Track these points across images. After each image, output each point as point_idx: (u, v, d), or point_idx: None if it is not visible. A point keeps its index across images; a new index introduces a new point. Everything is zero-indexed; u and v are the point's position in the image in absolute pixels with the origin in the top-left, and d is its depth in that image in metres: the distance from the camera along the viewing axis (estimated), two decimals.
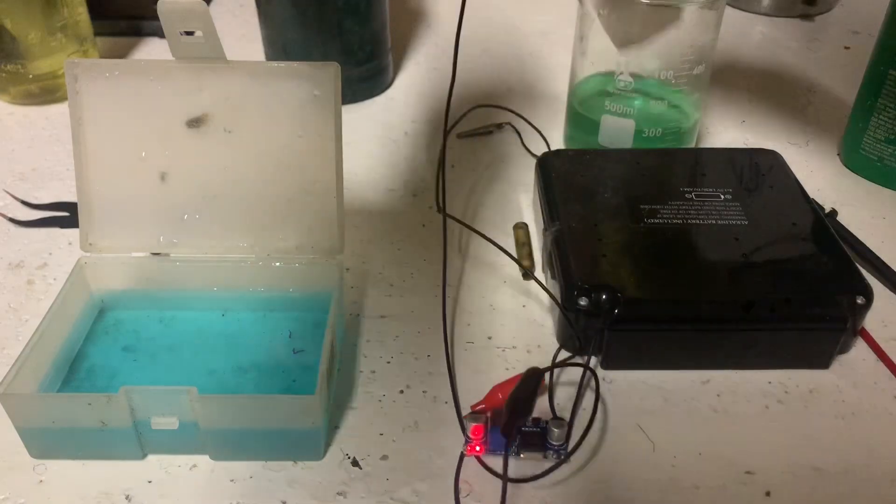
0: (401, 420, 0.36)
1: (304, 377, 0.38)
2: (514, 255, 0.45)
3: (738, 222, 0.41)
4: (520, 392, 0.34)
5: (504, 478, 0.32)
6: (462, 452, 0.34)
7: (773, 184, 0.45)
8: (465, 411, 0.36)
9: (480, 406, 0.36)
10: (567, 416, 0.36)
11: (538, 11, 0.78)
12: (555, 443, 0.34)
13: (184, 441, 0.34)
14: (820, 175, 0.54)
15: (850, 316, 0.37)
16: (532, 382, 0.34)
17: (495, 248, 0.47)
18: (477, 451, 0.34)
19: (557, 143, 0.56)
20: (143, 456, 0.34)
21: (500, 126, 0.57)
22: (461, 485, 0.33)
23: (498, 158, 0.55)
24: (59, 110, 0.61)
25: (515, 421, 0.33)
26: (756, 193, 0.44)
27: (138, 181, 0.39)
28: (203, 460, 0.34)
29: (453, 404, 0.36)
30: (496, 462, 0.34)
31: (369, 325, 0.42)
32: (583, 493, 0.33)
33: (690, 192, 0.44)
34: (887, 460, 0.35)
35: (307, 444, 0.34)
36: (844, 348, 0.39)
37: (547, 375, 0.38)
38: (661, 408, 0.37)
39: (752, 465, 0.34)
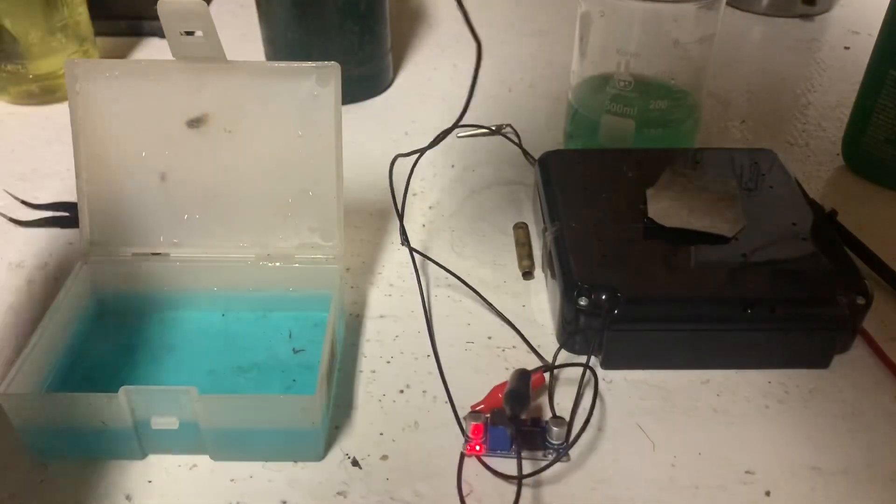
0: (401, 420, 0.36)
1: (304, 377, 0.38)
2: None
3: None
4: (513, 384, 0.34)
5: (519, 469, 0.32)
6: (462, 452, 0.34)
7: (772, 184, 0.45)
8: (467, 410, 0.36)
9: (480, 406, 0.36)
10: (567, 415, 0.36)
11: (538, 11, 0.78)
12: (554, 442, 0.34)
13: (184, 441, 0.34)
14: (820, 175, 0.54)
15: (850, 316, 0.37)
16: (525, 377, 0.35)
17: (496, 248, 0.47)
18: (477, 451, 0.34)
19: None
20: (143, 456, 0.34)
21: (500, 127, 0.57)
22: (461, 485, 0.33)
23: (498, 158, 0.55)
24: (59, 110, 0.61)
25: (518, 411, 0.33)
26: (756, 193, 0.44)
27: (138, 181, 0.39)
28: (203, 460, 0.34)
29: (450, 404, 0.36)
30: (496, 462, 0.34)
31: (369, 325, 0.42)
32: (583, 492, 0.33)
33: None
34: (887, 460, 0.35)
35: (307, 444, 0.34)
36: (844, 348, 0.39)
37: (547, 375, 0.38)
38: (661, 408, 0.37)
39: (752, 464, 0.34)
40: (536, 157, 0.48)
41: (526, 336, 0.40)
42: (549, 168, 0.47)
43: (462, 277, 0.43)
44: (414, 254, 0.44)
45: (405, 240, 0.44)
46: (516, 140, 0.56)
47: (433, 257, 0.46)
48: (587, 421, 0.34)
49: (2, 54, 0.59)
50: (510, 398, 0.34)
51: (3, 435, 0.35)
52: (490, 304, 0.42)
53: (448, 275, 0.44)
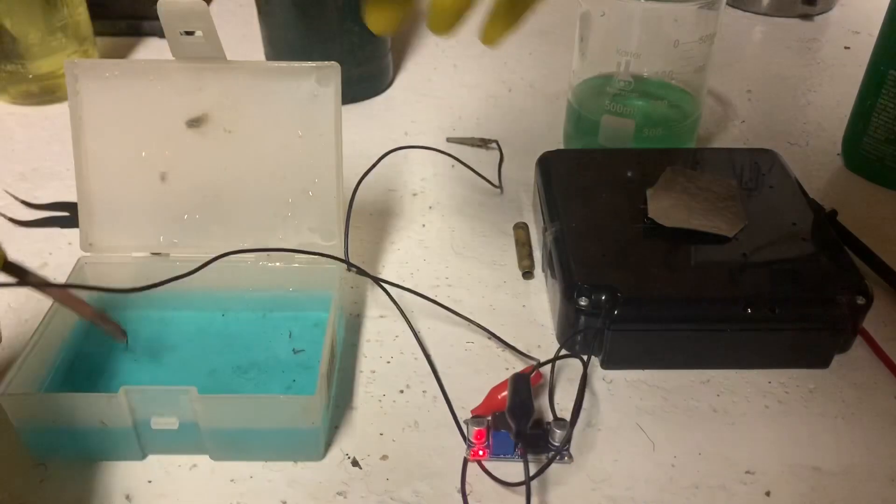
0: (401, 420, 0.36)
1: (304, 377, 0.38)
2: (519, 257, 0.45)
3: None
4: (516, 396, 0.34)
5: (527, 480, 0.32)
6: (465, 458, 0.34)
7: (772, 184, 0.45)
8: (467, 410, 0.36)
9: (480, 410, 0.36)
10: (568, 416, 0.36)
11: (538, 11, 0.78)
12: (556, 444, 0.34)
13: (184, 441, 0.34)
14: (820, 175, 0.54)
15: (850, 316, 0.37)
16: (522, 384, 0.34)
17: (496, 248, 0.47)
18: (480, 456, 0.34)
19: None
20: (143, 456, 0.34)
21: (486, 142, 0.56)
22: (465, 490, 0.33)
23: (498, 159, 0.55)
24: (59, 110, 0.61)
25: (524, 423, 0.33)
26: (756, 193, 0.44)
27: (138, 181, 0.39)
28: (203, 460, 0.34)
29: (456, 405, 0.36)
30: (497, 465, 0.34)
31: (369, 325, 0.42)
32: (583, 492, 0.33)
33: None
34: (887, 460, 0.35)
35: (307, 444, 0.34)
36: (844, 348, 0.39)
37: (548, 376, 0.38)
38: (661, 408, 0.37)
39: (752, 464, 0.34)
40: (536, 156, 0.48)
41: (526, 335, 0.40)
42: (549, 168, 0.47)
43: (429, 297, 0.41)
44: (385, 286, 0.42)
45: (349, 264, 0.41)
46: (518, 139, 0.56)
47: (433, 257, 0.46)
48: (574, 415, 0.34)
49: (2, 54, 0.59)
50: (514, 413, 0.33)
51: (3, 435, 0.35)
52: (463, 317, 0.41)
53: (447, 275, 0.45)
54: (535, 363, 0.38)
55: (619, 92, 0.50)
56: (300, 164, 0.39)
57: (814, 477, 0.34)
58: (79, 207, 0.40)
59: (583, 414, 0.36)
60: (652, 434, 0.36)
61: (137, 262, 0.40)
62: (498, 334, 0.40)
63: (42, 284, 0.33)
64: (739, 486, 0.33)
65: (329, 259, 0.40)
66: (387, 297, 0.43)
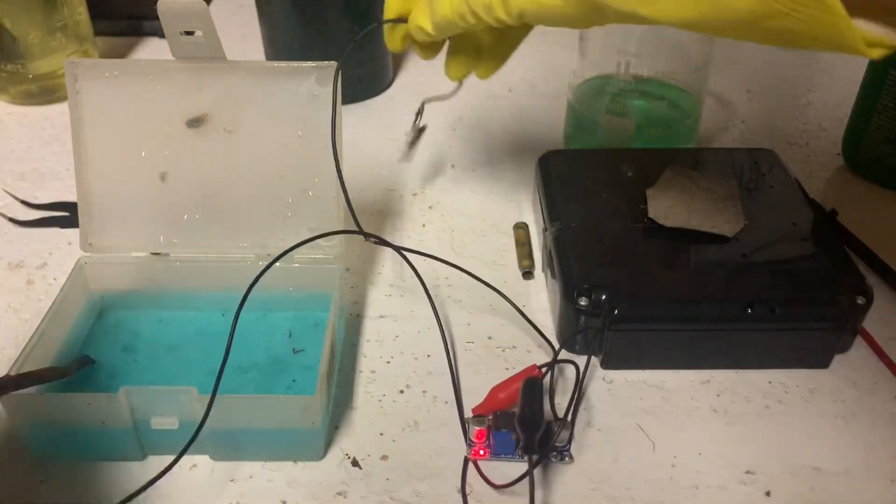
0: (401, 420, 0.36)
1: (304, 377, 0.38)
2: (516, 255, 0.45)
3: None
4: (527, 405, 0.33)
5: (528, 480, 0.31)
6: (466, 457, 0.34)
7: (773, 184, 0.45)
8: (467, 410, 0.36)
9: (481, 409, 0.36)
10: (568, 417, 0.36)
11: None
12: (557, 444, 0.34)
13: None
14: (820, 175, 0.54)
15: (850, 316, 0.37)
16: (534, 392, 0.34)
17: (496, 248, 0.47)
18: (481, 455, 0.34)
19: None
20: (143, 456, 0.34)
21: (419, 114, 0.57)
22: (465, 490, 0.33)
23: (497, 158, 0.55)
24: (59, 110, 0.61)
25: (534, 435, 0.32)
26: (756, 193, 0.44)
27: (138, 181, 0.39)
28: (203, 460, 0.34)
29: (455, 404, 0.36)
30: (498, 466, 0.34)
31: (369, 325, 0.42)
32: (583, 492, 0.33)
33: None
34: (887, 460, 0.35)
35: (307, 444, 0.34)
36: (844, 348, 0.39)
37: (547, 378, 0.38)
38: (661, 408, 0.37)
39: (752, 465, 0.34)
40: (537, 156, 0.48)
41: (526, 335, 0.40)
42: (549, 168, 0.47)
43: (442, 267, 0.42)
44: (404, 253, 0.42)
45: (367, 234, 0.40)
46: (516, 138, 0.55)
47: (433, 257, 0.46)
48: (573, 416, 0.34)
49: (2, 54, 0.59)
50: (525, 423, 0.32)
51: (3, 435, 0.35)
52: (491, 286, 0.41)
53: (447, 275, 0.45)
54: (553, 350, 0.37)
55: (619, 92, 0.50)
56: (300, 164, 0.39)
57: (814, 477, 0.34)
58: (79, 207, 0.40)
59: (583, 414, 0.36)
60: (652, 434, 0.36)
61: (137, 261, 0.40)
62: (497, 334, 0.40)
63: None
64: (739, 486, 0.33)
65: (329, 259, 0.40)
66: (386, 296, 0.43)
